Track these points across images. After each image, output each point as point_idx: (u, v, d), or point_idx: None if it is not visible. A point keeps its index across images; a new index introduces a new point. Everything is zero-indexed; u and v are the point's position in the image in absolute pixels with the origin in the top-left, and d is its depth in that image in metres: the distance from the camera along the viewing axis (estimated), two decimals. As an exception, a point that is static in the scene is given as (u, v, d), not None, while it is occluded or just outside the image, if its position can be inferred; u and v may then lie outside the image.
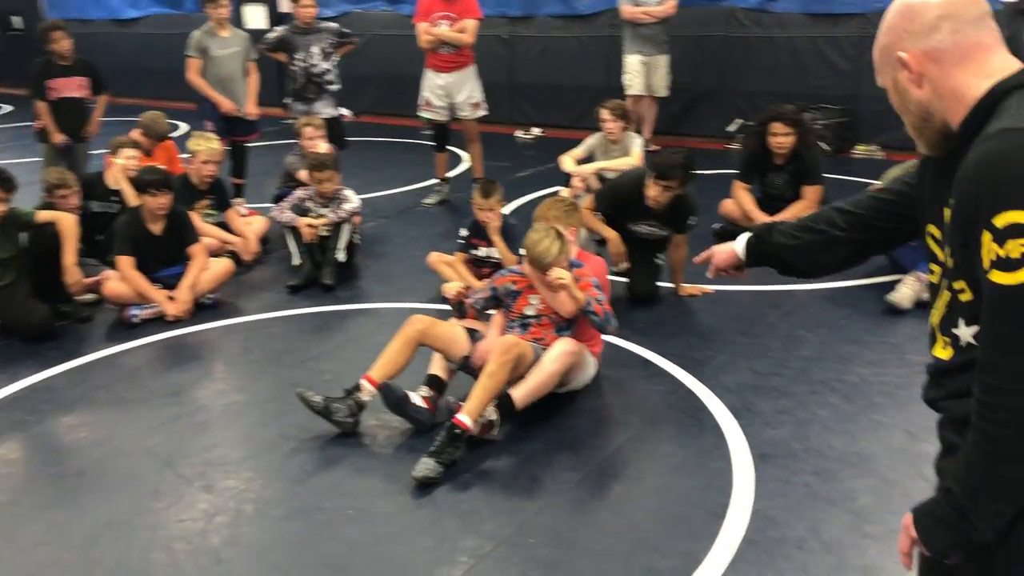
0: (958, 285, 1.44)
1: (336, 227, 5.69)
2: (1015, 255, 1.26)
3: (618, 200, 5.13)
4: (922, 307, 4.80)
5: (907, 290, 4.82)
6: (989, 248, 1.29)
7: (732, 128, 9.07)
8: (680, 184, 4.84)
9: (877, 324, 4.68)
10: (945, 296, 1.50)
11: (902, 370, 4.14)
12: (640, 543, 2.96)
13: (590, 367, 4.02)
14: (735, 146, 8.93)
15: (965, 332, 1.44)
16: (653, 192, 4.85)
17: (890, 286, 4.97)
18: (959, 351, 1.47)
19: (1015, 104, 1.37)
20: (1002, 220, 1.27)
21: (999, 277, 1.28)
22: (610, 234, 5.15)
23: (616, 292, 5.01)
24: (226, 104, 6.92)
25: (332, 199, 5.79)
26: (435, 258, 5.32)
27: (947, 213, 1.44)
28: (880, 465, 3.36)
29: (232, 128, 7.01)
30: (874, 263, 5.48)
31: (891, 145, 8.55)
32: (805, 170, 5.90)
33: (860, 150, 8.73)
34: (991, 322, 1.33)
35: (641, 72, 8.81)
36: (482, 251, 5.17)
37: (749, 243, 2.03)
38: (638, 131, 7.92)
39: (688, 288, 5.26)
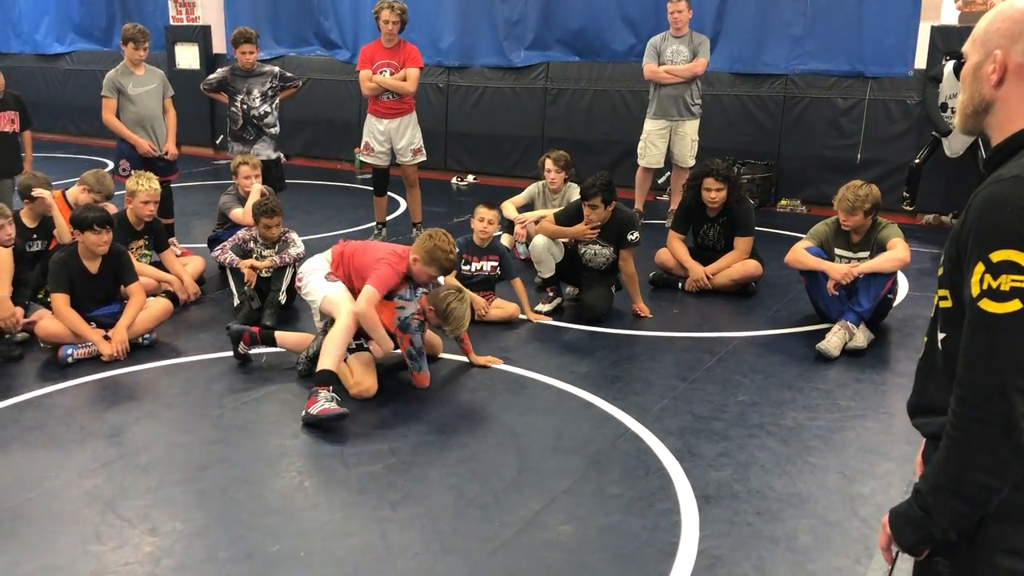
0: (942, 292, 1.57)
1: (278, 269, 5.68)
2: (1006, 288, 1.40)
3: (570, 223, 5.72)
4: (849, 355, 5.03)
5: (835, 339, 5.04)
6: (981, 277, 1.42)
7: (663, 181, 9.35)
8: (603, 202, 5.48)
9: (808, 371, 4.87)
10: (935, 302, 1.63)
11: (834, 415, 4.32)
12: (593, 583, 3.01)
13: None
14: (666, 197, 9.21)
15: (939, 336, 1.57)
16: (586, 214, 5.56)
17: (818, 334, 5.19)
18: (934, 352, 1.60)
19: None
20: (997, 256, 1.41)
21: (989, 305, 1.41)
22: (569, 229, 5.70)
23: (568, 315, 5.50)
24: (143, 145, 6.79)
25: (277, 241, 5.79)
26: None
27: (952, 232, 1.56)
28: (818, 506, 3.50)
29: (151, 169, 6.86)
30: (803, 312, 5.72)
31: (812, 200, 8.95)
32: (736, 222, 6.17)
33: (784, 204, 9.09)
34: (972, 342, 1.45)
35: (658, 143, 8.02)
36: (473, 266, 5.65)
37: None
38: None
39: (644, 307, 5.73)
